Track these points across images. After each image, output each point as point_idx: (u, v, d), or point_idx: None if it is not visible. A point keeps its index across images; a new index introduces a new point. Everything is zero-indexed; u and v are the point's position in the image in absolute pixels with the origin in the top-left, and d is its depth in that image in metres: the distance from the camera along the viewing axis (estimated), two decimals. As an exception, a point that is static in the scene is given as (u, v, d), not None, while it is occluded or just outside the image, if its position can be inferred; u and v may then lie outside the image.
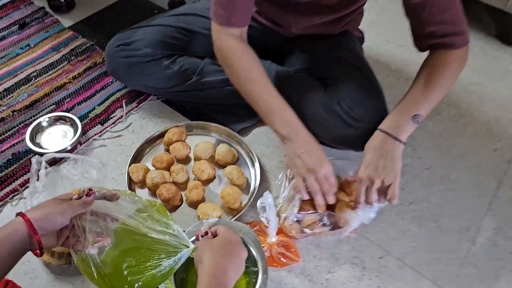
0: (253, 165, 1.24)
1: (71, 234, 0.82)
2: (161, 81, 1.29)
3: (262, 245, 0.99)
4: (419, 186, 1.25)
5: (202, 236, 0.84)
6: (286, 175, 1.15)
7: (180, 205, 1.17)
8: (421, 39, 1.07)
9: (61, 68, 1.47)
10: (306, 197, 1.03)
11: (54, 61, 1.50)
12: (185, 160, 1.25)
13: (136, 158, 1.24)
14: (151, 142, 1.28)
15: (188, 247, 0.87)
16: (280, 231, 1.09)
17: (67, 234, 0.81)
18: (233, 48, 1.11)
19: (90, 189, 0.82)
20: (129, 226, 0.85)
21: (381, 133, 1.01)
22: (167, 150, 1.26)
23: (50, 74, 1.45)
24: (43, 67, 1.48)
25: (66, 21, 1.66)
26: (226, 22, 1.09)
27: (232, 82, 1.14)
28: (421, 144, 1.35)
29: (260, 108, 1.09)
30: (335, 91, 1.15)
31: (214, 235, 0.83)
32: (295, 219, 1.05)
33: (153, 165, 1.21)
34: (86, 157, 1.08)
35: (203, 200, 1.17)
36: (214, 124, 1.31)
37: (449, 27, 1.01)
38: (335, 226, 1.07)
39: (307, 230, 1.05)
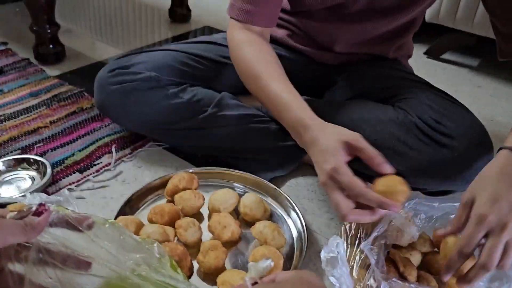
0: (294, 222, 0.87)
1: (-5, 283, 0.44)
2: (165, 114, 0.97)
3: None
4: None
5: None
6: (346, 230, 0.78)
7: (190, 275, 0.76)
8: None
9: (37, 112, 1.16)
10: (350, 218, 0.67)
11: (30, 106, 1.19)
12: (196, 217, 0.87)
13: (125, 212, 0.86)
14: (148, 192, 0.91)
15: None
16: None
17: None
18: (244, 39, 0.87)
19: (41, 205, 0.46)
20: (110, 276, 0.47)
21: (510, 152, 0.65)
22: (171, 202, 0.89)
23: (22, 118, 1.13)
24: (14, 111, 1.16)
25: (53, 72, 1.39)
26: (248, 18, 0.86)
27: (244, 83, 0.88)
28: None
29: (271, 109, 0.83)
30: (411, 105, 0.84)
31: None
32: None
33: (150, 220, 0.83)
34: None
35: (224, 268, 0.77)
36: (236, 171, 0.97)
37: None
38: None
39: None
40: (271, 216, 0.88)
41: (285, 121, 0.79)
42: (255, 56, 0.85)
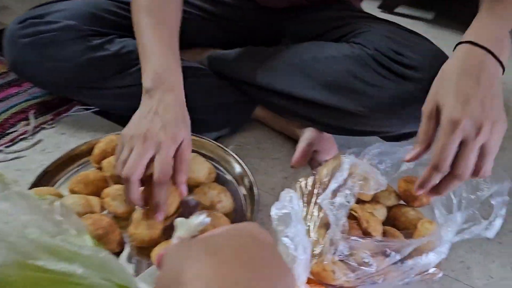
0: (243, 183, 0.76)
1: None
2: (89, 69, 0.83)
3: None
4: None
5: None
6: (301, 187, 0.69)
7: (121, 251, 0.64)
8: None
9: None
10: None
11: None
12: (130, 185, 0.75)
13: (41, 184, 0.72)
14: (71, 161, 0.78)
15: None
16: (311, 281, 0.59)
17: None
18: None
19: None
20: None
21: (471, 46, 0.57)
22: (99, 170, 0.76)
23: None
24: None
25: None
26: None
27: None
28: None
29: (138, 46, 0.69)
30: (367, 38, 0.74)
31: None
32: (346, 252, 0.55)
33: (72, 190, 0.70)
34: None
35: (160, 240, 0.65)
36: (175, 131, 0.84)
37: None
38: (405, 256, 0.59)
39: (368, 267, 0.55)
40: (216, 179, 0.77)
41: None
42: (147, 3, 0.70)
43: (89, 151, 0.78)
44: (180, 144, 0.60)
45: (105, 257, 0.38)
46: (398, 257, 0.56)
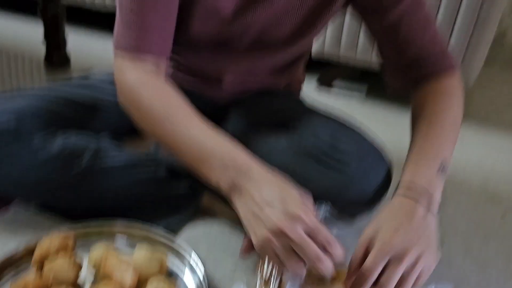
0: (195, 273, 0.75)
1: None
2: (29, 172, 0.80)
3: None
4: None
5: None
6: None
7: None
8: (404, 72, 0.81)
9: None
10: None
11: None
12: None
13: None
14: (8, 266, 0.74)
15: None
16: None
17: None
18: (143, 80, 0.73)
19: None
20: None
21: (404, 198, 0.67)
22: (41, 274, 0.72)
23: None
24: None
25: None
26: (135, 47, 0.73)
27: (146, 131, 0.74)
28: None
29: (188, 156, 0.69)
30: (301, 129, 0.80)
31: None
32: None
33: (9, 300, 0.66)
34: None
35: None
36: (120, 224, 0.83)
37: (433, 46, 0.80)
38: None
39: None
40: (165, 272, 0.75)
41: (209, 168, 0.67)
42: (157, 99, 0.71)
43: (29, 253, 0.75)
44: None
45: None
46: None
